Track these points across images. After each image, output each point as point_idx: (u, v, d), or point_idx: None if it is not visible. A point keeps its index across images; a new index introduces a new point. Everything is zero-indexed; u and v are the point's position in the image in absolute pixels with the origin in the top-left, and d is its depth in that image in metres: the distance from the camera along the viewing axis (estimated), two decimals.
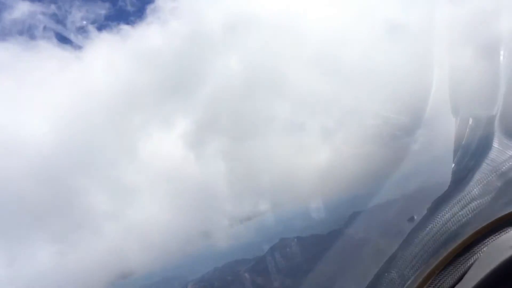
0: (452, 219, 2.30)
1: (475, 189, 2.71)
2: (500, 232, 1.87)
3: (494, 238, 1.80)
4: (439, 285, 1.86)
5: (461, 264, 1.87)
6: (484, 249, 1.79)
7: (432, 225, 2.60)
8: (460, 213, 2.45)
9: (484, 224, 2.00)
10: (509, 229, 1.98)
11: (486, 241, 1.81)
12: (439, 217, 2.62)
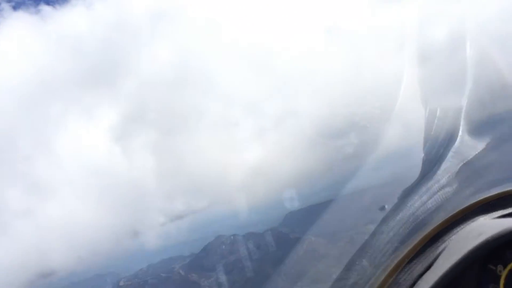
0: (421, 208, 2.33)
1: (443, 179, 3.15)
2: (469, 221, 1.90)
3: (463, 226, 1.85)
4: (409, 273, 1.86)
5: (431, 252, 1.89)
6: (453, 237, 1.82)
7: (402, 213, 2.81)
8: (429, 202, 2.69)
9: (454, 212, 2.02)
10: (477, 218, 1.99)
11: (455, 229, 1.86)
12: (409, 206, 2.81)
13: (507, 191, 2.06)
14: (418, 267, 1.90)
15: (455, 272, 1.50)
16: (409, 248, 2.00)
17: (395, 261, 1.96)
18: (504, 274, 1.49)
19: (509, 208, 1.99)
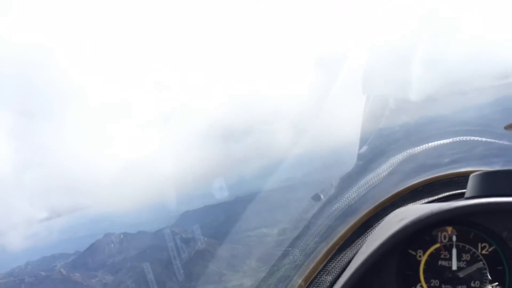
0: (353, 196, 2.37)
1: (379, 168, 2.74)
2: (395, 207, 1.91)
3: (389, 212, 1.83)
4: (339, 260, 1.85)
5: (360, 239, 1.91)
6: (380, 223, 1.83)
7: (338, 203, 2.70)
8: (361, 190, 2.60)
9: (383, 199, 2.05)
10: (405, 204, 2.00)
11: (383, 216, 1.86)
12: (343, 195, 2.72)
13: (434, 177, 2.07)
14: (348, 254, 1.89)
15: (375, 258, 1.48)
16: (339, 235, 1.99)
17: (325, 249, 1.95)
18: (423, 259, 1.50)
19: (436, 194, 2.01)
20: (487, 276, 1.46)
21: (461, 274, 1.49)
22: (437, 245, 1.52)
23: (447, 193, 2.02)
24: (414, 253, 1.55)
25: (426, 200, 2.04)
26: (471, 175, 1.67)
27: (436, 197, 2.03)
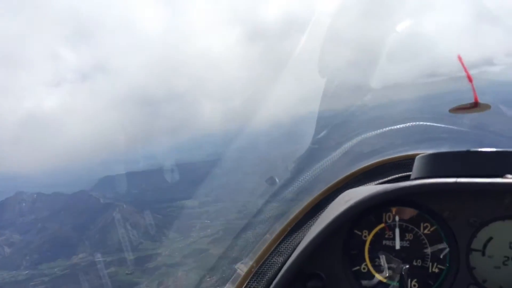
0: (308, 179, 2.35)
1: (334, 151, 2.49)
2: (347, 188, 1.89)
3: (338, 194, 1.81)
4: (291, 241, 1.86)
5: (311, 220, 1.93)
6: (328, 205, 1.81)
7: (292, 186, 2.43)
8: (315, 172, 2.32)
9: (335, 181, 2.06)
10: (355, 185, 2.00)
11: (333, 197, 1.82)
12: (298, 178, 2.46)
13: (385, 160, 2.10)
14: (299, 235, 1.90)
15: (322, 238, 1.49)
16: (291, 217, 2.00)
17: (278, 231, 1.95)
18: (368, 239, 1.52)
19: (387, 176, 2.03)
20: (429, 254, 1.48)
21: (403, 253, 1.50)
22: (382, 225, 1.53)
23: (397, 175, 2.01)
24: (360, 233, 1.55)
25: (377, 181, 2.03)
26: (417, 157, 1.69)
27: (386, 178, 2.03)
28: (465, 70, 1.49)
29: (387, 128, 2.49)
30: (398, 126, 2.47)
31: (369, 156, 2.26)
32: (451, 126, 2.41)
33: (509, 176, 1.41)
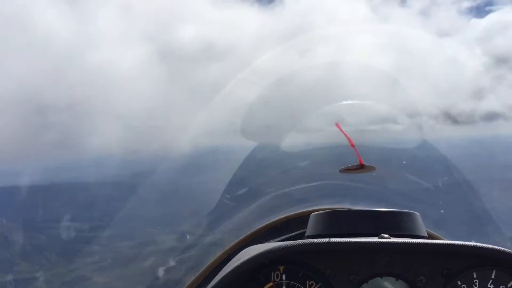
0: (219, 236, 2.38)
1: (248, 204, 2.69)
2: (250, 245, 1.85)
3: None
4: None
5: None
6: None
7: (204, 242, 2.70)
8: (227, 228, 2.58)
9: (241, 238, 2.06)
10: (262, 241, 1.99)
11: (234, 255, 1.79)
12: (210, 233, 2.71)
13: (292, 215, 2.13)
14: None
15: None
16: (198, 274, 1.99)
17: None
18: None
19: (292, 231, 2.06)
20: None
21: None
22: (270, 284, 1.54)
23: (299, 231, 2.04)
24: None
25: (281, 238, 2.07)
26: (311, 215, 1.75)
27: (287, 235, 2.07)
28: (346, 136, 1.63)
29: (302, 185, 2.56)
30: (313, 184, 2.56)
31: (283, 208, 2.28)
32: (348, 183, 2.52)
33: (385, 236, 1.49)
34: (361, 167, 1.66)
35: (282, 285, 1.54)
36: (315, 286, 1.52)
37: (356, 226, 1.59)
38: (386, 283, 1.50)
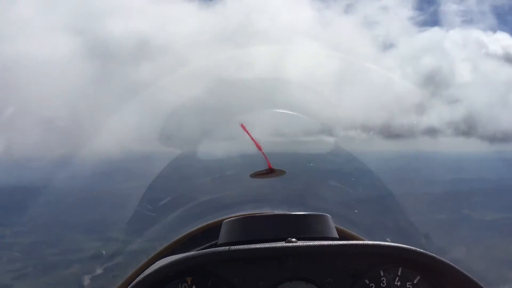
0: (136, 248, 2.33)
1: (170, 213, 2.62)
2: (173, 254, 1.77)
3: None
4: None
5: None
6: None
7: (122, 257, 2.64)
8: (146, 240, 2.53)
9: (162, 248, 2.03)
10: (181, 251, 1.94)
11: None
12: (128, 246, 2.66)
13: (213, 223, 2.10)
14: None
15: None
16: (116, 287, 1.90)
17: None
18: None
19: (213, 240, 2.00)
20: None
21: None
22: None
23: (216, 240, 1.97)
24: None
25: (199, 247, 2.02)
26: (223, 223, 1.72)
27: (205, 244, 2.03)
28: (252, 139, 1.61)
29: (226, 192, 2.56)
30: (237, 190, 2.56)
31: (207, 215, 2.26)
32: (267, 190, 2.51)
33: (292, 240, 1.50)
34: (270, 171, 1.65)
35: None
36: None
37: (265, 231, 1.58)
38: (296, 287, 1.50)
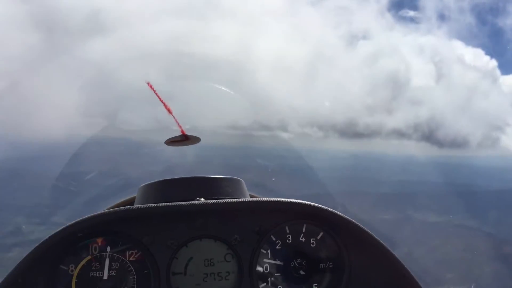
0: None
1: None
2: None
3: None
4: None
5: None
6: None
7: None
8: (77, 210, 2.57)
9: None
10: None
11: None
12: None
13: (129, 199, 2.06)
14: None
15: (19, 273, 1.39)
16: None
17: None
18: (75, 272, 1.47)
19: None
20: (135, 280, 1.50)
21: (110, 283, 1.49)
22: (89, 258, 1.49)
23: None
24: (66, 268, 1.48)
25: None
26: (138, 188, 1.73)
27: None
28: (161, 101, 1.53)
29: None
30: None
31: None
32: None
33: (201, 199, 1.52)
34: (185, 138, 1.63)
35: (101, 258, 1.50)
36: (136, 254, 1.51)
37: (176, 193, 1.59)
38: (206, 245, 1.53)
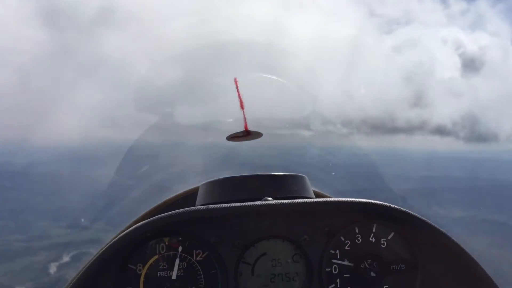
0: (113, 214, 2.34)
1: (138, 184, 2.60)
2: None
3: None
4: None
5: None
6: None
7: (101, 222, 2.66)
8: (125, 207, 2.54)
9: (141, 214, 2.03)
10: None
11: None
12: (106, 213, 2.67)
13: (191, 189, 2.08)
14: None
15: (89, 274, 1.40)
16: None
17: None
18: (143, 272, 1.48)
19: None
20: (202, 281, 1.50)
21: (178, 283, 1.50)
22: (156, 257, 1.51)
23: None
24: (134, 267, 1.49)
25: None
26: (200, 185, 1.71)
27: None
28: (239, 96, 1.53)
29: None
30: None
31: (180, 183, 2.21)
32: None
33: (268, 199, 1.50)
34: (247, 133, 1.61)
35: (169, 257, 1.51)
36: (202, 254, 1.51)
37: (242, 192, 1.58)
38: (274, 245, 1.52)
